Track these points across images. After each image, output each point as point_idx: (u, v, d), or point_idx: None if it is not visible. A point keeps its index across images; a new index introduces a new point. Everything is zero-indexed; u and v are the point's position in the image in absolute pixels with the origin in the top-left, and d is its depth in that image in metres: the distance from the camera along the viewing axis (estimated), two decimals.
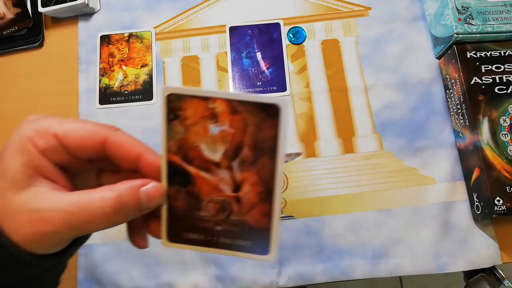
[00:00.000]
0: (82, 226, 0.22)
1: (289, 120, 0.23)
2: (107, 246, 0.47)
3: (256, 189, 0.25)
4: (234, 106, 0.24)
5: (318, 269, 0.45)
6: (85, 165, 0.26)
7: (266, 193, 0.25)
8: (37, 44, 0.56)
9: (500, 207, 0.42)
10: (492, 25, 0.47)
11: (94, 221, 0.22)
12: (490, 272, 0.45)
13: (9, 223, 0.22)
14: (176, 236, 0.27)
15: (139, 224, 0.28)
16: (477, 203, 0.45)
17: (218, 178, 0.25)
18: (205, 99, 0.24)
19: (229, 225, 0.26)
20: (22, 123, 0.23)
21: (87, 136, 0.24)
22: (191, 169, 0.25)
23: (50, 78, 0.55)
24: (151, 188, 0.25)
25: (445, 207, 0.46)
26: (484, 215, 0.43)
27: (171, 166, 0.25)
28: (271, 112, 0.24)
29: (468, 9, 0.48)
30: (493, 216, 0.42)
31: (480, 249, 0.45)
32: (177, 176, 0.26)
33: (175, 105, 0.24)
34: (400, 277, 1.09)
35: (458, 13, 0.48)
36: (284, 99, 0.23)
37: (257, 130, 0.24)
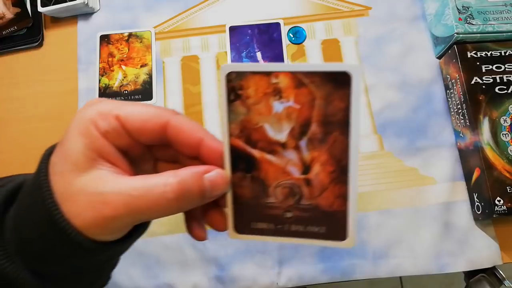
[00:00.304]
0: (144, 211, 0.21)
1: (361, 89, 0.22)
2: None
3: (327, 168, 0.23)
4: (299, 78, 0.22)
5: (319, 269, 0.45)
6: (144, 153, 0.26)
7: (339, 172, 0.23)
8: (37, 44, 0.56)
9: (501, 207, 0.42)
10: (492, 25, 0.47)
11: (156, 206, 0.21)
12: (490, 272, 0.45)
13: (70, 207, 0.21)
14: (243, 226, 0.25)
15: (198, 215, 0.27)
16: (478, 203, 0.45)
17: (285, 160, 0.23)
18: (267, 74, 0.22)
19: (300, 210, 0.24)
20: (84, 106, 0.23)
21: (149, 119, 0.23)
22: (256, 153, 0.24)
23: (50, 78, 0.55)
24: (215, 175, 0.23)
25: (445, 207, 0.46)
26: (485, 215, 0.43)
27: (234, 151, 0.24)
28: (341, 81, 0.22)
29: (468, 8, 0.48)
30: (494, 216, 0.42)
31: (480, 249, 0.45)
32: (241, 161, 0.24)
33: (236, 85, 0.23)
34: (400, 277, 1.09)
35: (459, 12, 0.48)
36: (355, 65, 0.21)
37: (326, 103, 0.22)
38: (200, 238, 0.27)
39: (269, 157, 0.24)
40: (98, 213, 0.21)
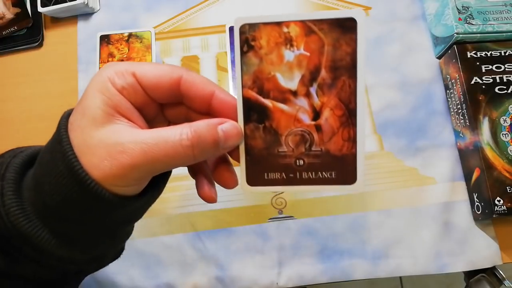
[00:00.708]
0: (161, 158, 0.22)
1: (365, 33, 0.23)
2: None
3: (336, 113, 0.24)
4: (309, 26, 0.23)
5: (318, 269, 0.45)
6: (158, 114, 0.27)
7: (348, 115, 0.24)
8: (37, 44, 0.56)
9: (501, 207, 0.42)
10: (492, 25, 0.47)
11: (172, 154, 0.22)
12: (490, 272, 0.45)
13: (90, 158, 0.22)
14: (256, 178, 0.26)
15: (209, 175, 0.28)
16: (478, 203, 0.45)
17: (296, 107, 0.24)
18: (279, 24, 0.23)
19: (311, 157, 0.25)
20: (101, 69, 0.24)
21: (164, 75, 0.24)
22: (268, 103, 0.24)
23: (50, 78, 0.55)
24: (229, 127, 0.24)
25: (445, 207, 0.46)
26: (485, 215, 0.43)
27: (247, 102, 0.25)
28: (348, 26, 0.23)
29: (468, 8, 0.48)
30: (494, 216, 0.42)
31: (480, 249, 0.45)
32: (253, 112, 0.25)
33: (248, 36, 0.24)
34: (400, 277, 1.09)
35: (459, 12, 0.48)
36: (360, 11, 0.22)
37: (334, 48, 0.23)
38: (210, 199, 0.27)
39: (281, 105, 0.25)
40: (116, 161, 0.22)
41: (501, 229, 0.45)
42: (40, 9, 0.54)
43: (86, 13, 0.57)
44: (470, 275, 0.46)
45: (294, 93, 0.24)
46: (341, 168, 0.25)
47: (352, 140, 0.24)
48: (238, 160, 0.26)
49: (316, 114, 0.24)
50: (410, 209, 0.47)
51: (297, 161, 0.25)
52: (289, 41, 0.24)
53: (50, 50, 0.57)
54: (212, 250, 0.46)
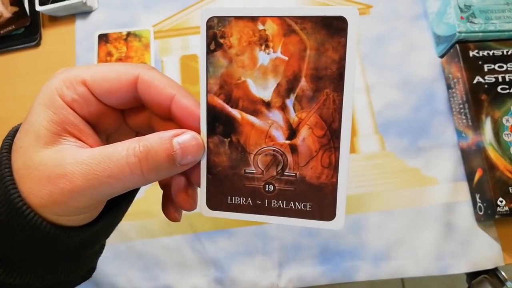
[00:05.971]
0: (105, 180, 0.19)
1: (357, 37, 0.20)
2: (105, 248, 0.46)
3: (316, 132, 0.20)
4: (289, 24, 0.19)
5: (319, 271, 0.45)
6: (119, 123, 0.24)
7: (330, 136, 0.20)
8: (35, 43, 0.56)
9: (503, 208, 0.41)
10: (494, 24, 0.47)
11: (118, 175, 0.19)
12: (492, 274, 0.44)
13: (29, 184, 0.19)
14: (218, 201, 0.22)
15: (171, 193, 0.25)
16: (480, 204, 0.44)
17: (269, 122, 0.21)
18: (253, 19, 0.20)
19: (284, 183, 0.21)
20: (52, 76, 0.21)
21: (118, 77, 0.21)
22: (236, 114, 0.21)
23: (48, 77, 0.54)
24: (187, 139, 0.20)
25: (447, 208, 0.46)
26: (487, 216, 0.43)
27: (212, 111, 0.21)
28: (336, 28, 0.19)
29: (470, 7, 0.47)
30: (496, 217, 0.41)
31: (482, 250, 0.44)
32: (218, 123, 0.21)
33: (217, 32, 0.20)
34: (402, 279, 1.09)
35: (461, 11, 0.47)
36: (352, 8, 0.18)
37: (318, 53, 0.19)
38: (173, 218, 0.25)
39: (251, 118, 0.21)
40: (56, 187, 0.19)
41: (503, 230, 0.45)
42: (38, 7, 0.53)
43: (84, 12, 0.57)
44: (472, 276, 0.45)
45: (267, 105, 0.21)
46: (317, 200, 0.21)
47: (333, 167, 0.21)
48: (197, 181, 0.23)
49: (292, 132, 0.21)
50: (411, 210, 0.46)
51: (267, 186, 0.21)
52: (264, 41, 0.20)
53: (48, 49, 0.56)
54: (212, 252, 0.46)
